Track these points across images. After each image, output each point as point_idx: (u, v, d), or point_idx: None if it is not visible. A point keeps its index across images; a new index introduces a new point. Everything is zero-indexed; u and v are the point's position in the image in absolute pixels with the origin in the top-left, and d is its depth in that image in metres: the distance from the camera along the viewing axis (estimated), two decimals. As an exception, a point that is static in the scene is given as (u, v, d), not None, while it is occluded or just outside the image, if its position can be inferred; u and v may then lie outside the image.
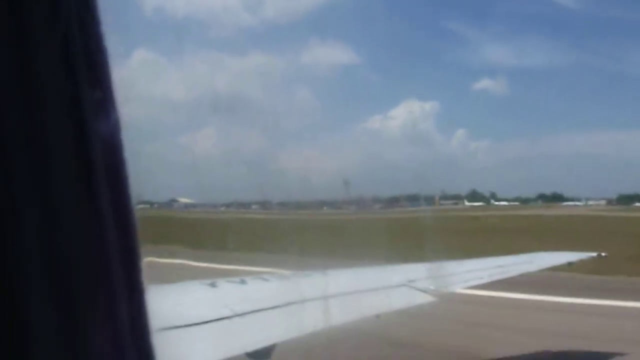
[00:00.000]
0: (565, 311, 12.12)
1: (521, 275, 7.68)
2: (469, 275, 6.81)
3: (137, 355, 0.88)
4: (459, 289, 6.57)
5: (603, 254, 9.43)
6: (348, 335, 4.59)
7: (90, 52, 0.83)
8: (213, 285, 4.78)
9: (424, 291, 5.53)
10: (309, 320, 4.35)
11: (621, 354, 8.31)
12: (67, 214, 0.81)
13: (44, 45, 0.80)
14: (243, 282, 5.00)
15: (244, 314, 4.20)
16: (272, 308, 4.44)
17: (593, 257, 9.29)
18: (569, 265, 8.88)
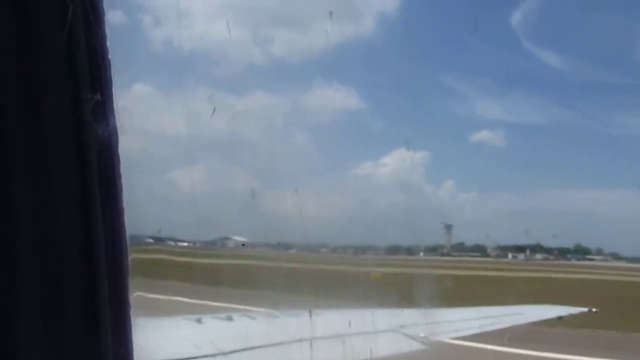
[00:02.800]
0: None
1: (510, 328, 7.59)
2: (459, 325, 6.72)
3: None
4: (449, 339, 6.47)
5: (594, 310, 9.39)
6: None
7: (93, 57, 0.86)
8: (199, 321, 4.70)
9: (413, 338, 5.44)
10: None
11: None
12: (62, 225, 0.81)
13: (50, 46, 0.82)
14: (229, 318, 4.91)
15: (228, 353, 4.11)
16: (257, 347, 4.35)
17: (584, 313, 9.23)
18: (559, 320, 8.80)
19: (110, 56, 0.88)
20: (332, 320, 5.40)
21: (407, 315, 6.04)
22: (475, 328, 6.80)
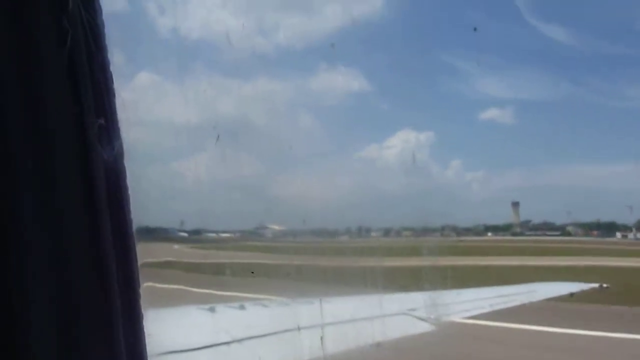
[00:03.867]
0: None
1: (522, 306, 7.61)
2: (470, 305, 6.77)
3: None
4: (459, 319, 6.52)
5: (605, 285, 9.40)
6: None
7: (96, 81, 0.86)
8: (212, 310, 4.77)
9: (424, 320, 5.50)
10: (307, 348, 4.32)
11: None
12: (69, 239, 0.83)
13: (51, 72, 0.83)
14: (242, 307, 4.98)
15: (242, 340, 4.17)
16: (271, 334, 4.41)
17: (595, 289, 9.25)
18: (571, 296, 8.81)
19: (114, 81, 0.89)
20: (343, 306, 5.47)
21: (417, 299, 6.10)
22: (486, 307, 6.84)
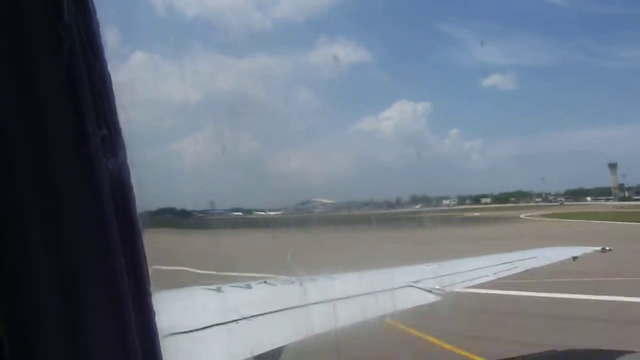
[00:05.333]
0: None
1: (526, 272, 7.69)
2: (474, 274, 6.83)
3: None
4: (464, 288, 6.60)
5: (607, 248, 9.45)
6: (354, 335, 4.64)
7: (96, 91, 0.86)
8: (219, 290, 4.84)
9: (429, 291, 5.56)
10: (316, 323, 4.39)
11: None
12: (74, 238, 0.84)
13: (50, 85, 0.82)
14: (248, 286, 5.04)
15: (251, 317, 4.23)
16: (279, 311, 4.47)
17: (597, 252, 9.30)
18: (574, 260, 8.87)
19: (114, 88, 0.88)
20: (348, 282, 5.54)
21: (421, 270, 6.17)
22: (490, 276, 6.91)
